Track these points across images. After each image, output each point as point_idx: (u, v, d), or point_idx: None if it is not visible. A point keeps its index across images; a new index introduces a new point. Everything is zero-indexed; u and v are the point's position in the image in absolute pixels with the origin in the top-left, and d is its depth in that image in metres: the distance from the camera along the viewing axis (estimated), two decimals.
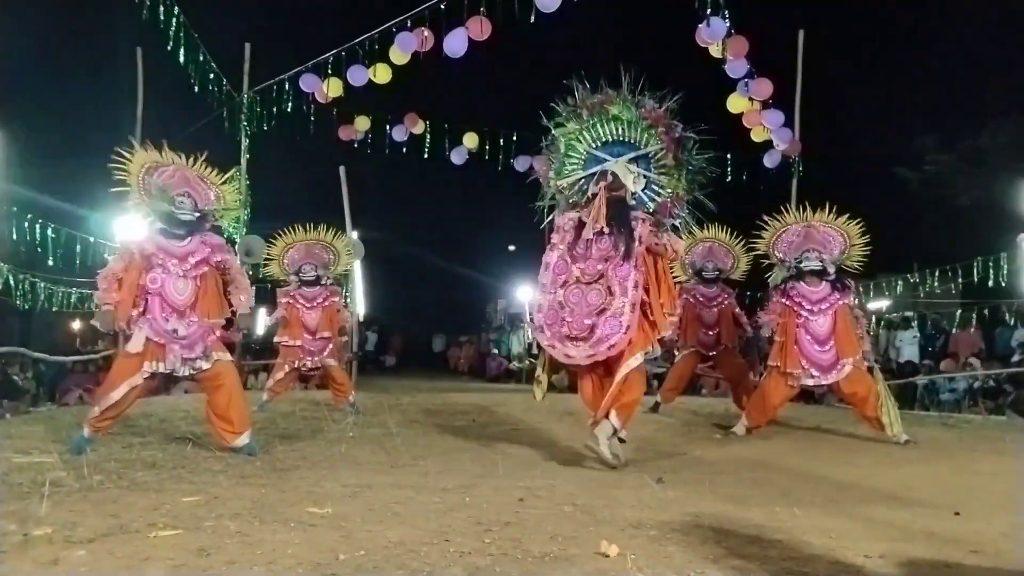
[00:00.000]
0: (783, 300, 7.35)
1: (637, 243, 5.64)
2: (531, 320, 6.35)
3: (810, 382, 7.37)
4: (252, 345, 15.23)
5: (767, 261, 7.78)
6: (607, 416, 5.52)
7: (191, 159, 6.00)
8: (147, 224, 5.99)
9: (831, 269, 7.29)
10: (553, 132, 6.17)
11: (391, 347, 25.04)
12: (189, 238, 5.83)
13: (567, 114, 6.11)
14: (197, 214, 5.91)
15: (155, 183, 5.85)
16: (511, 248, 27.19)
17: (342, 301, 9.47)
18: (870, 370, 7.38)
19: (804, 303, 7.25)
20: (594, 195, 5.82)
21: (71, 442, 5.62)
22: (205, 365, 5.74)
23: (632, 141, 5.97)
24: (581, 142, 6.05)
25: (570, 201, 6.07)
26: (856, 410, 7.45)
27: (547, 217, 6.19)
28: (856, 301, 7.64)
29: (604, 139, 6.01)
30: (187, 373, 5.82)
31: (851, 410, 7.80)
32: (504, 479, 4.94)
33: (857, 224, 7.38)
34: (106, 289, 5.64)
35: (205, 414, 6.00)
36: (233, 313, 6.10)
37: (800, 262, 7.34)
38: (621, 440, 5.63)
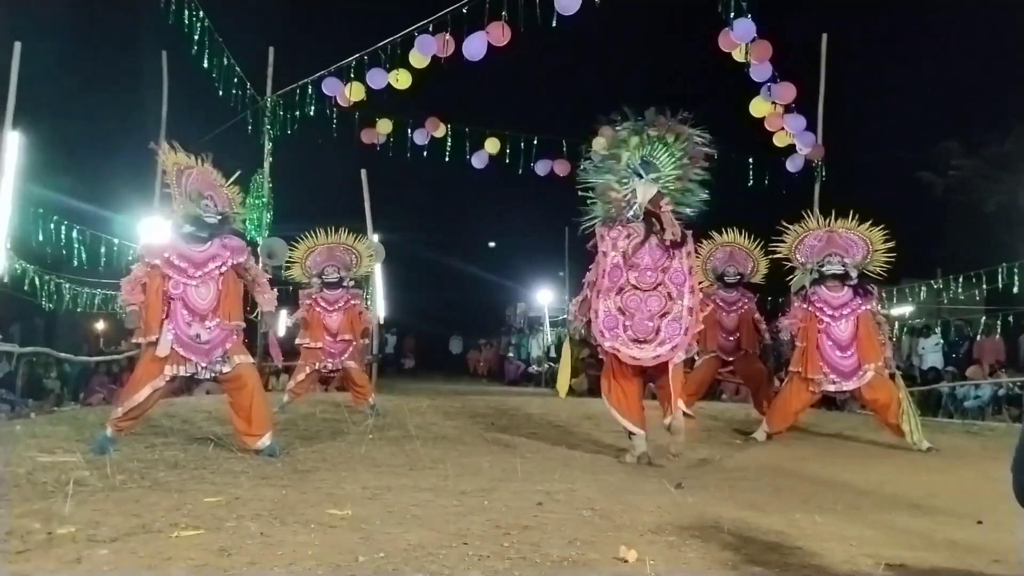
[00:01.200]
0: (804, 305, 7.32)
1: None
2: (575, 321, 6.60)
3: (831, 388, 7.32)
4: None
5: (788, 265, 7.74)
6: (676, 411, 6.05)
7: (200, 160, 6.06)
8: (170, 228, 6.05)
9: (853, 273, 7.24)
10: (608, 151, 6.49)
11: (406, 349, 25.05)
12: (210, 242, 5.89)
13: (626, 135, 6.36)
14: (219, 216, 5.97)
15: (185, 186, 5.93)
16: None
17: (363, 304, 9.51)
18: (892, 376, 7.33)
19: (826, 308, 7.21)
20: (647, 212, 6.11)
21: (94, 442, 5.68)
22: (226, 368, 5.80)
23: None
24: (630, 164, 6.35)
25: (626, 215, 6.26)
26: (877, 417, 7.40)
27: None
28: (879, 307, 7.60)
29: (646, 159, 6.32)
30: (208, 376, 5.91)
31: (872, 416, 7.75)
32: (523, 483, 4.94)
33: (880, 230, 7.33)
34: (130, 291, 5.76)
35: (227, 416, 6.05)
36: (250, 317, 6.16)
37: (822, 266, 7.30)
38: (688, 415, 6.26)
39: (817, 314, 7.23)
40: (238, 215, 6.36)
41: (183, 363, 5.71)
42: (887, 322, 7.93)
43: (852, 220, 7.42)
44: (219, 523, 3.66)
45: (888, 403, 7.12)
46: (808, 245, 7.47)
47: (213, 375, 5.88)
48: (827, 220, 7.52)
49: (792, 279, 7.78)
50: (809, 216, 7.70)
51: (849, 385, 7.21)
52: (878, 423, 7.51)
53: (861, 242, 7.34)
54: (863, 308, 7.20)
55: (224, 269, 5.88)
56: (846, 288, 7.24)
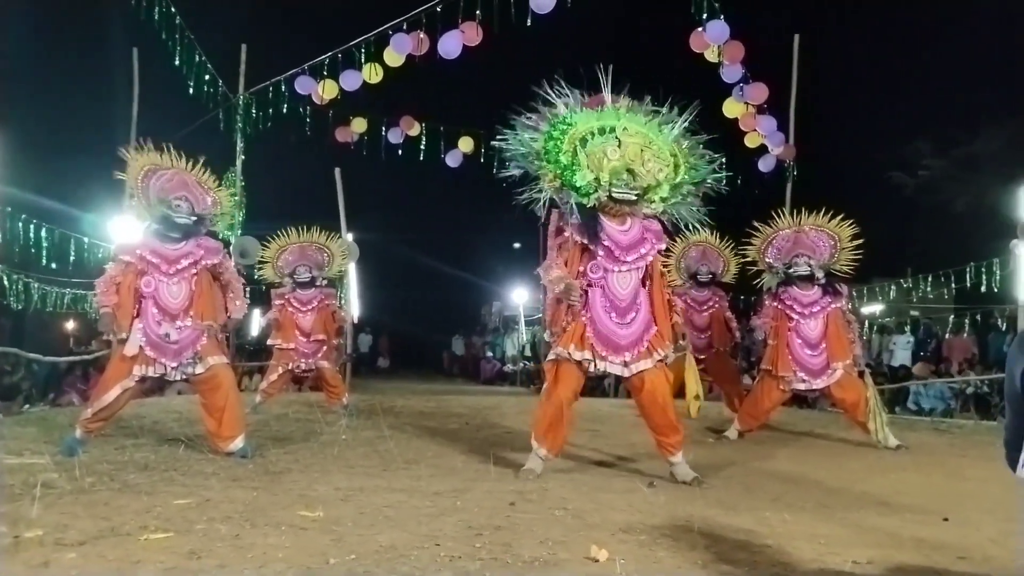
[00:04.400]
0: (775, 303, 7.39)
1: None
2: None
3: (801, 386, 7.39)
4: (246, 347, 15.25)
5: (755, 268, 7.78)
6: None
7: (190, 163, 6.04)
8: (143, 228, 6.01)
9: (820, 274, 7.30)
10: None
11: (381, 348, 24.99)
12: (184, 242, 5.85)
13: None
14: (194, 218, 5.93)
15: (153, 187, 5.90)
16: (516, 245, 27.10)
17: (337, 303, 9.47)
18: (861, 375, 7.42)
19: (795, 306, 7.27)
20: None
21: (63, 443, 5.62)
22: (199, 369, 5.75)
23: None
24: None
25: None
26: (846, 415, 7.48)
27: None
28: (848, 305, 7.67)
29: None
30: (179, 377, 5.87)
31: (842, 415, 7.82)
32: (496, 483, 4.95)
33: (849, 226, 7.39)
34: (104, 292, 5.70)
35: (199, 417, 6.00)
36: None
37: (789, 267, 7.36)
38: None
39: (788, 312, 7.29)
40: (223, 216, 6.31)
41: (152, 364, 5.66)
42: (856, 320, 7.99)
43: (821, 216, 7.46)
44: (189, 525, 3.64)
45: (857, 401, 7.19)
46: (776, 246, 7.53)
47: (184, 376, 5.83)
48: (796, 219, 7.56)
49: (759, 281, 7.82)
50: (779, 216, 7.74)
51: (819, 383, 7.28)
52: (847, 421, 7.59)
53: (829, 240, 7.40)
54: (833, 306, 7.27)
55: (197, 268, 5.85)
56: (815, 287, 7.31)
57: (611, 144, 5.28)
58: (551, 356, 5.43)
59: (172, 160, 5.98)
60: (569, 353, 5.26)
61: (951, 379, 12.55)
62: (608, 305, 5.30)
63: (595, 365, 5.30)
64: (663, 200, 5.39)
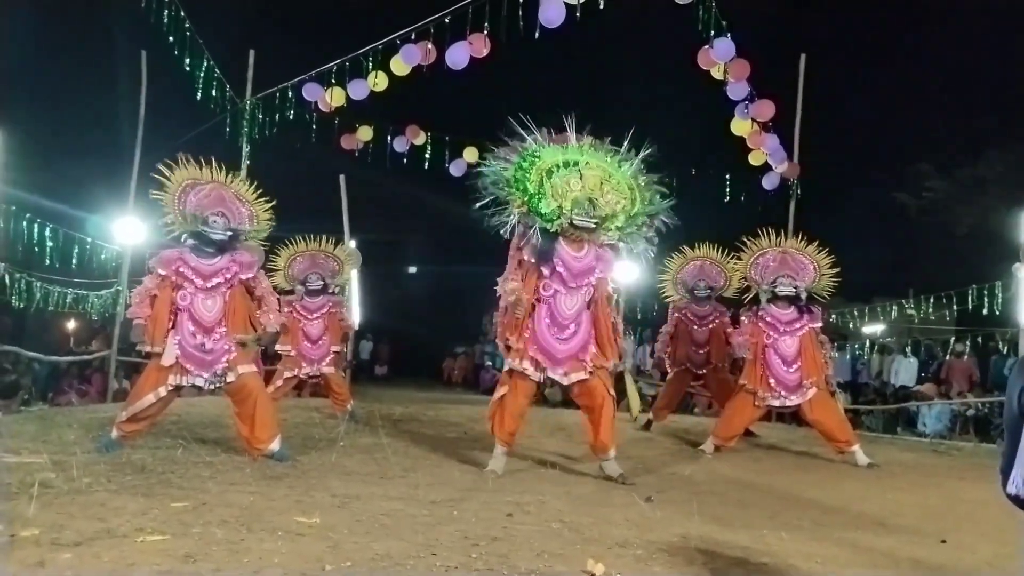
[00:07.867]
0: (754, 321, 7.51)
1: None
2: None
3: (776, 402, 7.49)
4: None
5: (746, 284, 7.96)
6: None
7: (230, 176, 6.21)
8: (181, 241, 6.13)
9: (804, 296, 7.46)
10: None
11: (380, 355, 24.93)
12: (220, 256, 5.98)
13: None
14: (229, 233, 6.04)
15: (190, 202, 6.03)
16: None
17: (343, 309, 9.47)
18: (832, 395, 7.58)
19: (776, 324, 7.46)
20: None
21: (100, 442, 5.82)
22: (230, 378, 5.88)
23: None
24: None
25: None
26: (824, 437, 7.52)
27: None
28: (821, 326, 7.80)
29: None
30: (210, 387, 5.97)
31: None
32: (493, 493, 4.95)
33: (826, 253, 7.58)
34: (139, 304, 5.87)
35: (234, 425, 6.09)
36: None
37: (775, 286, 7.48)
38: None
39: (767, 330, 7.40)
40: (260, 230, 6.44)
41: (186, 373, 5.82)
42: (829, 341, 8.13)
43: (800, 241, 7.78)
44: (185, 529, 3.63)
45: (834, 423, 7.33)
46: (762, 265, 7.67)
47: (215, 385, 5.94)
48: (778, 240, 7.72)
49: (750, 295, 7.97)
50: (763, 235, 7.84)
51: (794, 399, 7.38)
52: (821, 439, 7.63)
53: (810, 265, 7.57)
54: (809, 326, 7.44)
55: (232, 284, 5.99)
56: (792, 307, 7.49)
57: (574, 176, 5.80)
58: (507, 367, 6.02)
59: (212, 174, 6.12)
60: (522, 368, 5.81)
61: (950, 401, 12.53)
62: (550, 321, 5.82)
63: (541, 375, 5.85)
64: (619, 229, 5.91)
